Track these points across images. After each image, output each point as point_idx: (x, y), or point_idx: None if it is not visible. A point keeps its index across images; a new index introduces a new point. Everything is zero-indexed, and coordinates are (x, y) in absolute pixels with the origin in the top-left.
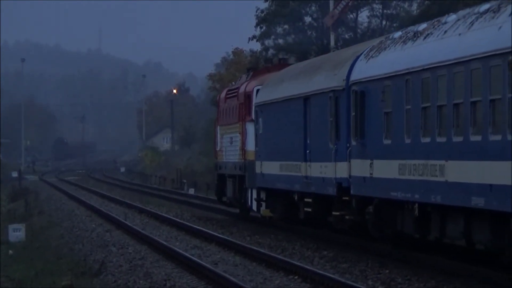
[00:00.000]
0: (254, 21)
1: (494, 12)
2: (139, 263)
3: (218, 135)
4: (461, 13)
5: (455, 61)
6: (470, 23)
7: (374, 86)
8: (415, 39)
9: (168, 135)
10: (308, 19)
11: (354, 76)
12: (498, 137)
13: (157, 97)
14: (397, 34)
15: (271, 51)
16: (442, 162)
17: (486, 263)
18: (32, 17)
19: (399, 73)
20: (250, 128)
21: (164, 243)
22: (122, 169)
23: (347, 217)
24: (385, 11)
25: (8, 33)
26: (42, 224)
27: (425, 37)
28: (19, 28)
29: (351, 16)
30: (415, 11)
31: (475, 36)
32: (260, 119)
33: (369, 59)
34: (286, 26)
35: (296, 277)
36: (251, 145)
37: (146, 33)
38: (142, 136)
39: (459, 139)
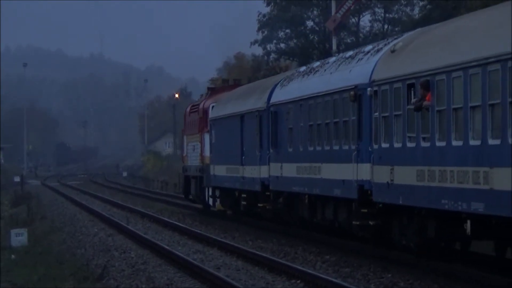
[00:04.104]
0: (256, 25)
1: (352, 58)
2: (142, 267)
3: (185, 143)
4: (340, 55)
5: (326, 92)
6: (338, 65)
7: (282, 108)
8: (309, 74)
9: (170, 139)
10: (310, 23)
11: (272, 100)
12: (347, 147)
13: (159, 102)
14: (302, 68)
15: (273, 56)
16: (320, 164)
17: (488, 266)
18: (34, 22)
19: (296, 99)
20: (206, 138)
21: (167, 247)
22: (124, 174)
23: (267, 207)
24: (387, 15)
25: (10, 38)
26: (45, 229)
27: (314, 73)
28: (21, 33)
29: (353, 20)
30: (417, 15)
31: (338, 75)
32: (213, 131)
33: (282, 87)
34: (288, 31)
35: (298, 281)
36: (207, 152)
37: (148, 37)
38: (144, 141)
39: (328, 147)
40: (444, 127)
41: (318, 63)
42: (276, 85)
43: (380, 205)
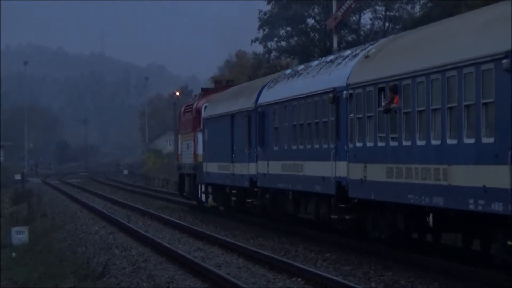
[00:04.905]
0: (257, 23)
1: (332, 62)
2: (142, 265)
3: (179, 142)
4: (322, 59)
5: (308, 94)
6: (320, 68)
7: (269, 109)
8: (294, 76)
9: (171, 137)
10: (311, 21)
11: (260, 101)
12: (326, 146)
13: (160, 100)
14: (288, 71)
15: (273, 54)
16: (302, 162)
17: (488, 265)
18: (34, 19)
19: (281, 100)
20: (200, 136)
21: (167, 245)
22: (125, 172)
23: (255, 203)
24: (388, 13)
25: (11, 36)
26: (45, 227)
27: (298, 76)
28: (22, 30)
29: (354, 18)
30: (417, 13)
31: (319, 79)
32: (206, 130)
33: (269, 89)
34: (288, 29)
35: (299, 279)
36: (200, 150)
37: (149, 35)
38: (145, 139)
39: (310, 146)
40: (410, 128)
41: (302, 66)
42: (264, 87)
43: (355, 200)
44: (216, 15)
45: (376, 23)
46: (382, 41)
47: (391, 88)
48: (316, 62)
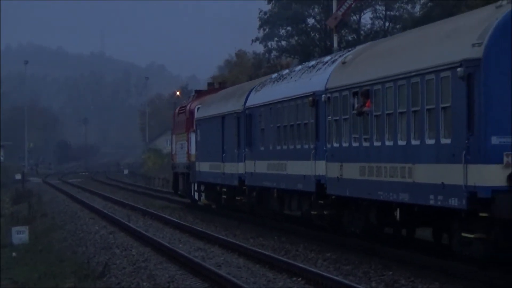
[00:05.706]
0: (257, 23)
1: (313, 67)
2: (143, 265)
3: (174, 142)
4: (305, 64)
5: (290, 98)
6: (302, 73)
7: (256, 111)
8: (279, 80)
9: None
10: (311, 21)
11: (248, 103)
12: (307, 146)
13: (160, 100)
14: (274, 75)
15: (274, 53)
16: (285, 161)
17: (488, 265)
18: (34, 19)
19: (267, 103)
20: (192, 137)
21: (168, 245)
22: (125, 172)
23: (243, 201)
24: (388, 13)
25: (11, 36)
26: (46, 227)
27: (283, 80)
28: (22, 30)
29: (354, 18)
30: (418, 13)
31: (301, 83)
32: (198, 130)
33: (256, 92)
34: (289, 28)
35: (299, 279)
36: (193, 150)
37: (149, 35)
38: (145, 139)
39: (292, 147)
40: (380, 130)
41: (287, 71)
42: (252, 90)
43: (333, 197)
44: (216, 15)
45: (376, 22)
46: (358, 48)
47: (363, 92)
48: (300, 67)
